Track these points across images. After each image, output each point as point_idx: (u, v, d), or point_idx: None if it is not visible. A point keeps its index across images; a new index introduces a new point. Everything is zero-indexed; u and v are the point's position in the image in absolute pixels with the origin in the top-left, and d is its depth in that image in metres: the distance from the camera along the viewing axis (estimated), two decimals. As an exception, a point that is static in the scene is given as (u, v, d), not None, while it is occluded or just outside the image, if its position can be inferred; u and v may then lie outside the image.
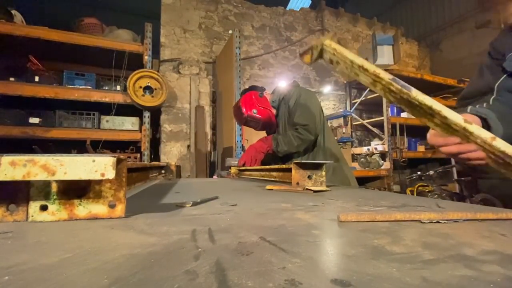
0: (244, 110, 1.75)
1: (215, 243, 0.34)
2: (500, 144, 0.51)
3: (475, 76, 0.94)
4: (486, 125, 0.68)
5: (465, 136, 0.54)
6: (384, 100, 4.50)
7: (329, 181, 1.12)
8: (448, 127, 0.56)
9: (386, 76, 0.58)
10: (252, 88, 1.85)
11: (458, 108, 0.89)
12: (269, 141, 1.67)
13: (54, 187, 0.46)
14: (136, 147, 3.42)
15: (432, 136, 0.62)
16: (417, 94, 0.57)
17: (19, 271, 0.25)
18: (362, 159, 4.40)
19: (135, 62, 3.26)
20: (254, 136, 3.10)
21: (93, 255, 0.30)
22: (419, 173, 4.50)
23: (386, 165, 4.38)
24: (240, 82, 3.22)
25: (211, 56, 4.35)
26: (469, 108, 0.75)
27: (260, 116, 1.76)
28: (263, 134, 1.97)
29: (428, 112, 0.57)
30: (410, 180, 4.53)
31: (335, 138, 3.28)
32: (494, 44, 0.92)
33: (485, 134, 0.52)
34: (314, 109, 1.65)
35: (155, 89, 3.27)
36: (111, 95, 3.19)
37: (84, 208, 0.47)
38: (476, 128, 0.52)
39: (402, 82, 0.58)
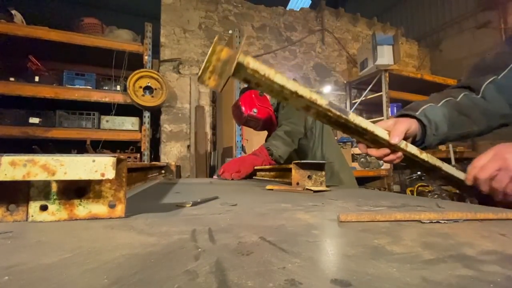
0: (243, 109, 1.71)
1: (215, 243, 0.34)
2: (410, 148, 0.71)
3: (500, 47, 0.94)
4: (423, 127, 0.78)
5: (389, 146, 0.70)
6: (384, 100, 4.51)
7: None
8: (376, 141, 0.70)
9: (323, 102, 0.57)
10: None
11: (463, 79, 0.93)
12: (262, 152, 1.52)
13: (54, 187, 0.46)
14: (136, 147, 3.42)
15: (361, 146, 0.76)
16: (354, 118, 0.62)
17: (19, 271, 0.25)
18: (362, 159, 4.40)
19: (135, 62, 3.26)
20: (254, 136, 3.09)
21: (93, 255, 0.30)
22: (419, 173, 4.50)
23: (386, 165, 4.38)
24: (240, 82, 3.22)
25: (211, 56, 4.34)
26: (419, 111, 0.79)
27: (260, 115, 1.72)
28: (263, 134, 1.96)
29: (361, 131, 0.66)
30: (410, 180, 4.54)
31: (336, 138, 3.26)
32: None
33: (402, 144, 0.69)
34: None
35: (155, 89, 3.27)
36: (111, 95, 3.19)
37: (84, 208, 0.47)
38: (396, 141, 0.68)
39: (339, 106, 0.60)
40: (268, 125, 1.79)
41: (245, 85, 1.96)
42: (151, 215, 0.52)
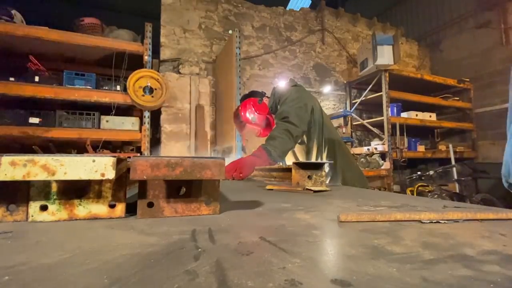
0: (242, 118, 1.75)
1: (215, 243, 0.34)
2: None
3: None
4: None
5: None
6: (384, 100, 4.51)
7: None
8: None
9: None
10: (251, 94, 1.83)
11: None
12: (261, 153, 1.46)
13: (54, 187, 0.46)
14: (136, 147, 3.42)
15: None
16: None
17: (19, 271, 0.25)
18: (362, 159, 4.40)
19: (135, 62, 3.26)
20: (255, 137, 3.09)
21: (93, 255, 0.30)
22: (419, 173, 4.50)
23: (386, 165, 4.38)
24: (240, 82, 3.22)
25: (211, 56, 4.35)
26: None
27: (258, 123, 1.75)
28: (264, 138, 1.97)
29: None
30: (410, 180, 4.54)
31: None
32: None
33: None
34: (299, 103, 1.59)
35: (155, 89, 3.27)
36: (111, 95, 3.19)
37: (84, 208, 0.47)
38: None
39: None
40: (268, 131, 1.79)
41: (246, 88, 1.96)
42: (151, 215, 0.52)
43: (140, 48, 3.32)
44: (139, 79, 3.18)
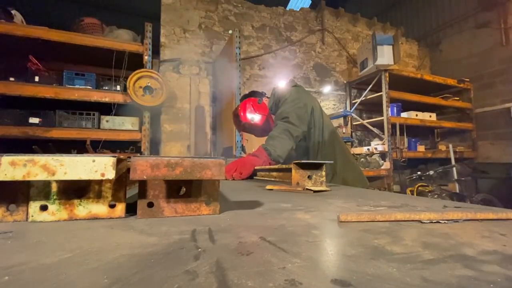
0: (241, 117, 1.75)
1: (215, 243, 0.34)
2: None
3: None
4: None
5: None
6: (384, 100, 4.50)
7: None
8: None
9: None
10: (251, 94, 1.83)
11: None
12: (261, 153, 1.49)
13: (54, 187, 0.46)
14: (136, 147, 3.42)
15: None
16: None
17: (19, 271, 0.25)
18: (362, 159, 4.40)
19: (135, 62, 3.26)
20: (255, 137, 3.10)
21: (93, 255, 0.30)
22: (419, 173, 4.50)
23: (386, 165, 4.38)
24: (240, 82, 3.22)
25: (211, 56, 4.35)
26: None
27: (258, 123, 1.75)
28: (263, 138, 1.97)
29: None
30: (410, 180, 4.54)
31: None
32: None
33: None
34: (299, 103, 1.60)
35: (155, 89, 3.27)
36: (111, 95, 3.19)
37: (84, 208, 0.47)
38: None
39: None
40: (267, 131, 1.79)
41: (246, 88, 1.96)
42: (151, 215, 0.52)
43: (140, 48, 3.32)
44: (139, 79, 3.18)
